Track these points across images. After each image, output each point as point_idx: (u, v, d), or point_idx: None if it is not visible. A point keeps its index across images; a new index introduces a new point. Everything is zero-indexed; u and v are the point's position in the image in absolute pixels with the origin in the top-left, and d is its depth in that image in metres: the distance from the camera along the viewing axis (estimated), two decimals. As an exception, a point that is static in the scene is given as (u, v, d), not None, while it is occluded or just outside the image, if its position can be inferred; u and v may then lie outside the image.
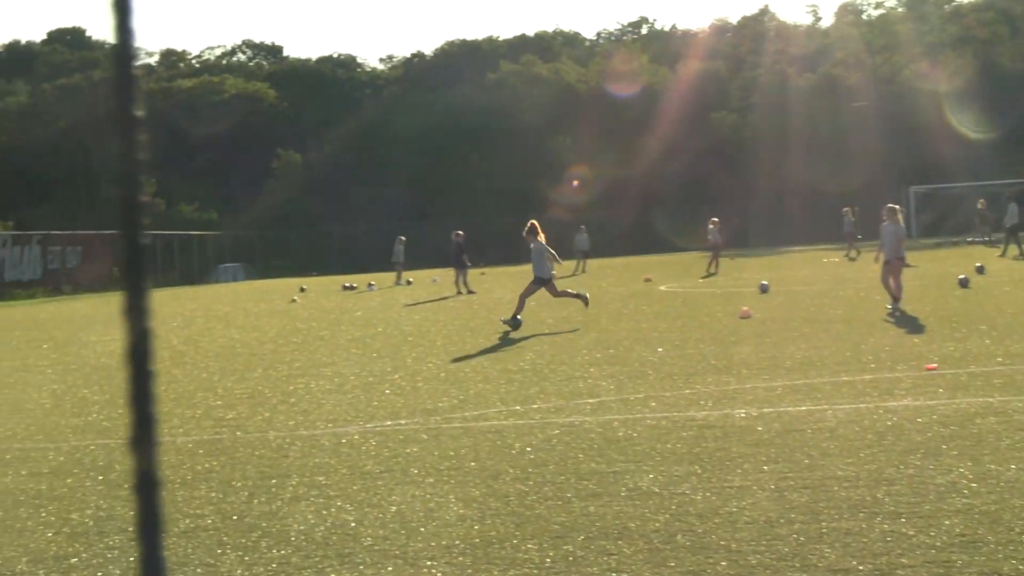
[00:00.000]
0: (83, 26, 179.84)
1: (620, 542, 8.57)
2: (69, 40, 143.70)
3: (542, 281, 28.84)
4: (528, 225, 29.67)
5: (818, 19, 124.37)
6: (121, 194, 2.28)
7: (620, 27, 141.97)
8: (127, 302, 2.27)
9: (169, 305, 51.96)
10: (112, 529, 9.88)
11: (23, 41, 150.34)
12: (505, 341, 25.17)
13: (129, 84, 2.28)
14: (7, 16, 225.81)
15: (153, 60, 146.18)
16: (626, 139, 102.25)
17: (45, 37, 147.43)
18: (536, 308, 34.04)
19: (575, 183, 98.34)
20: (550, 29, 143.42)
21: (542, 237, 29.17)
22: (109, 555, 9.05)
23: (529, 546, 8.61)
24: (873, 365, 17.83)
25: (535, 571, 8.02)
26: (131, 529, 9.80)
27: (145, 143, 2.31)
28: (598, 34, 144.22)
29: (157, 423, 2.28)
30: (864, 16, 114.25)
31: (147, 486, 2.27)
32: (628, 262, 74.24)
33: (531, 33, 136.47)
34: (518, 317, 27.78)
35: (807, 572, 7.68)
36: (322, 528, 9.49)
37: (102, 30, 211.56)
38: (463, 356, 22.69)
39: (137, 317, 2.26)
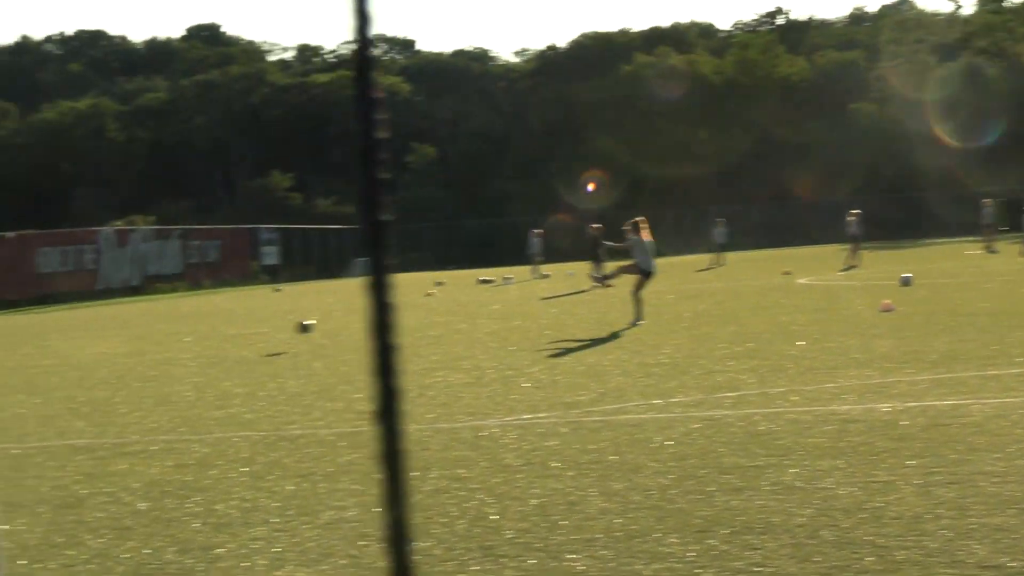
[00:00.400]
0: (219, 22, 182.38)
1: (764, 536, 8.49)
2: (206, 37, 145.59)
3: (647, 273, 28.44)
4: (632, 222, 29.19)
5: (959, 7, 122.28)
6: (362, 172, 2.30)
7: (756, 18, 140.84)
8: (370, 277, 2.31)
9: (307, 299, 52.47)
10: (257, 520, 9.97)
11: (162, 38, 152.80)
12: (642, 335, 25.07)
13: (367, 66, 2.29)
14: (146, 14, 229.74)
15: (289, 55, 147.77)
16: (762, 130, 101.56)
17: (184, 33, 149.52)
18: (674, 303, 33.97)
19: (710, 175, 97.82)
20: (685, 21, 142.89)
21: (645, 234, 28.64)
22: (254, 545, 9.13)
23: (672, 540, 8.56)
24: (1020, 359, 17.51)
25: (678, 565, 7.97)
26: (275, 520, 9.90)
27: (385, 123, 2.32)
28: (734, 25, 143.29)
29: (402, 395, 2.31)
30: (1006, 3, 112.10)
31: (392, 457, 2.30)
32: (766, 255, 73.66)
33: (665, 24, 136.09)
34: (640, 315, 27.64)
35: (956, 568, 7.55)
36: (464, 521, 9.50)
37: (237, 26, 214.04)
38: (601, 350, 22.65)
39: (380, 292, 2.29)
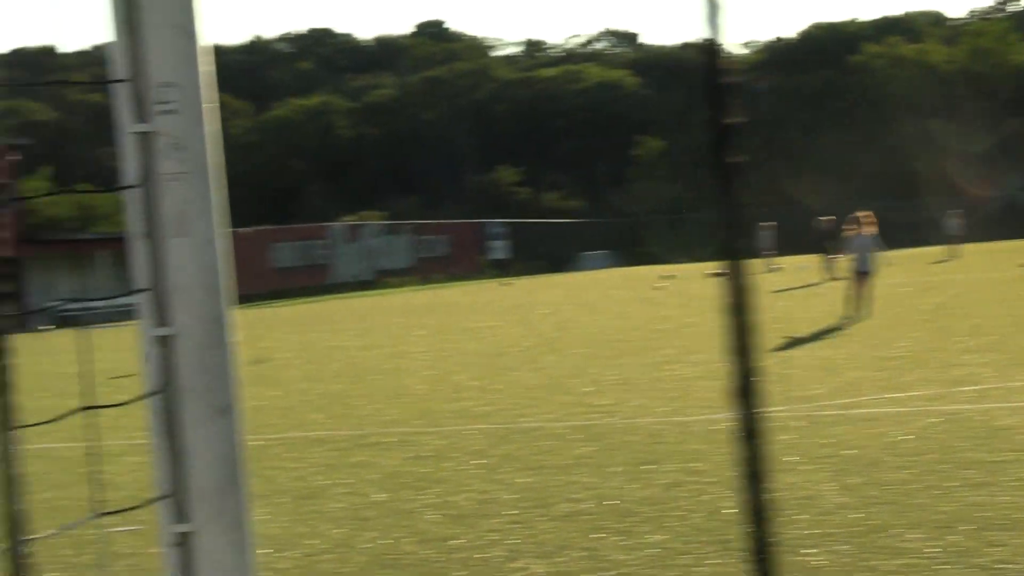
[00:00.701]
0: (443, 19, 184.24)
1: (1009, 533, 8.28)
2: (432, 33, 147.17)
3: (865, 272, 27.94)
4: (854, 216, 28.78)
5: None
6: (715, 158, 2.34)
7: (991, 5, 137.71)
8: (728, 261, 2.37)
9: (537, 293, 52.74)
10: (492, 512, 10.04)
11: (390, 35, 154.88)
12: (876, 328, 24.69)
13: (716, 53, 2.34)
14: (374, 12, 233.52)
15: (515, 50, 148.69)
16: (997, 120, 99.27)
17: (414, 30, 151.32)
18: (909, 295, 33.44)
19: (942, 165, 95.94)
20: (915, 10, 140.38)
21: (868, 230, 28.18)
22: (491, 537, 9.19)
23: (912, 536, 8.40)
24: None
25: (919, 561, 7.82)
26: (511, 512, 9.96)
27: (738, 109, 2.36)
28: (969, 12, 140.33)
29: (760, 374, 2.36)
30: None
31: (752, 436, 2.35)
32: (1002, 247, 71.96)
33: (896, 13, 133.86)
34: (867, 311, 27.20)
35: None
36: (699, 515, 9.44)
37: (463, 22, 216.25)
38: (833, 343, 22.38)
39: (738, 274, 2.34)
